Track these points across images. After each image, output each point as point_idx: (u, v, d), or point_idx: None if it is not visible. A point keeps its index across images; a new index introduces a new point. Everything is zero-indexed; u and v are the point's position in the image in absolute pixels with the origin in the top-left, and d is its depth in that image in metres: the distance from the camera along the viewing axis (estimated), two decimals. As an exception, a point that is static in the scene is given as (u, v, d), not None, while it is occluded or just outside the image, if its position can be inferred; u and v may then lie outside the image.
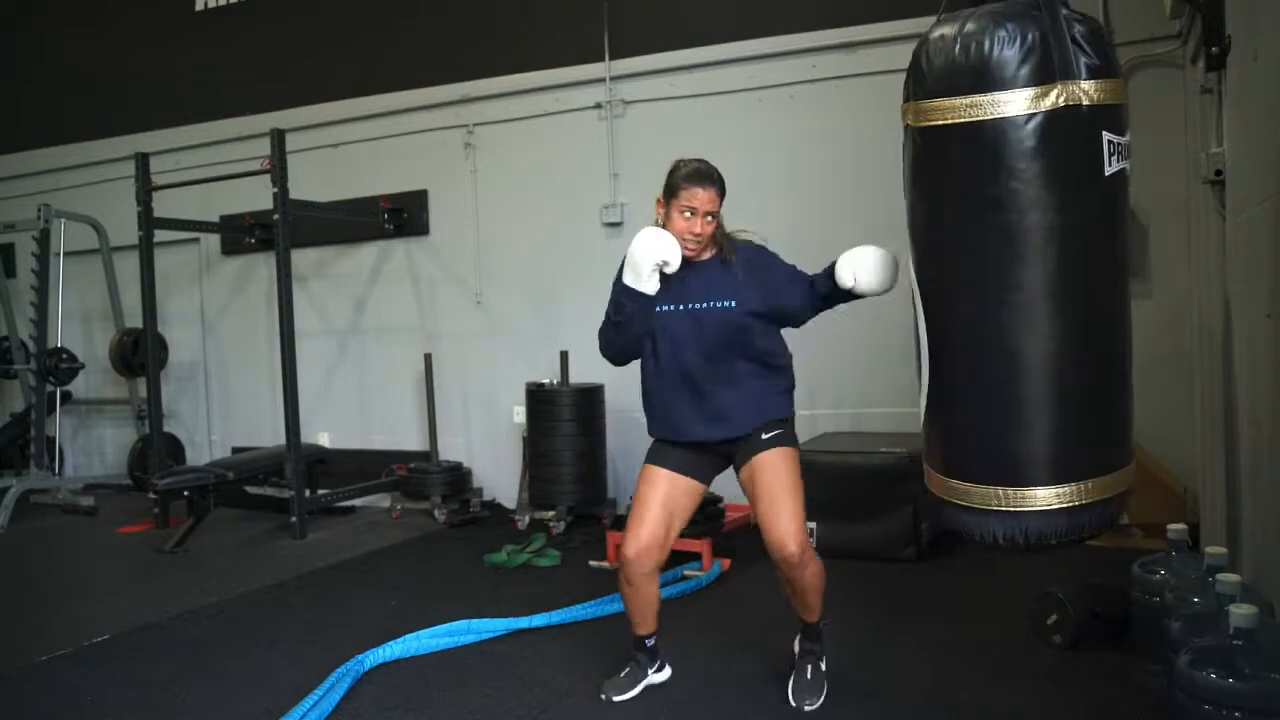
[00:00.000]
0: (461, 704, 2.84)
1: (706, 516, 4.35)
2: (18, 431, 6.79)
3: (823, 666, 2.77)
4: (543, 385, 5.28)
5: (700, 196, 2.64)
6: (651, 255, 2.57)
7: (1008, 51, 1.83)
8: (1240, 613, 1.87)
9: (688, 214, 2.64)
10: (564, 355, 5.33)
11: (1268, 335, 2.27)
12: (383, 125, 6.19)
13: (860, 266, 2.48)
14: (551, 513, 5.14)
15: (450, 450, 5.96)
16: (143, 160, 5.67)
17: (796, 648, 2.84)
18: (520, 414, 5.63)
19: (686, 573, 4.11)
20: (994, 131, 1.87)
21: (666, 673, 2.92)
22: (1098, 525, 2.03)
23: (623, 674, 2.85)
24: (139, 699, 2.97)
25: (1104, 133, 1.89)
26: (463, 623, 3.42)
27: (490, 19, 5.93)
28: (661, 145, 5.56)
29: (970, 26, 1.87)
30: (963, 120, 1.89)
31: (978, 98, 1.86)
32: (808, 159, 5.12)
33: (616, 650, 3.24)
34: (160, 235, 5.80)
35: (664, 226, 2.65)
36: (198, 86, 6.79)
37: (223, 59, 6.73)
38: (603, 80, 5.58)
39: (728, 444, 2.70)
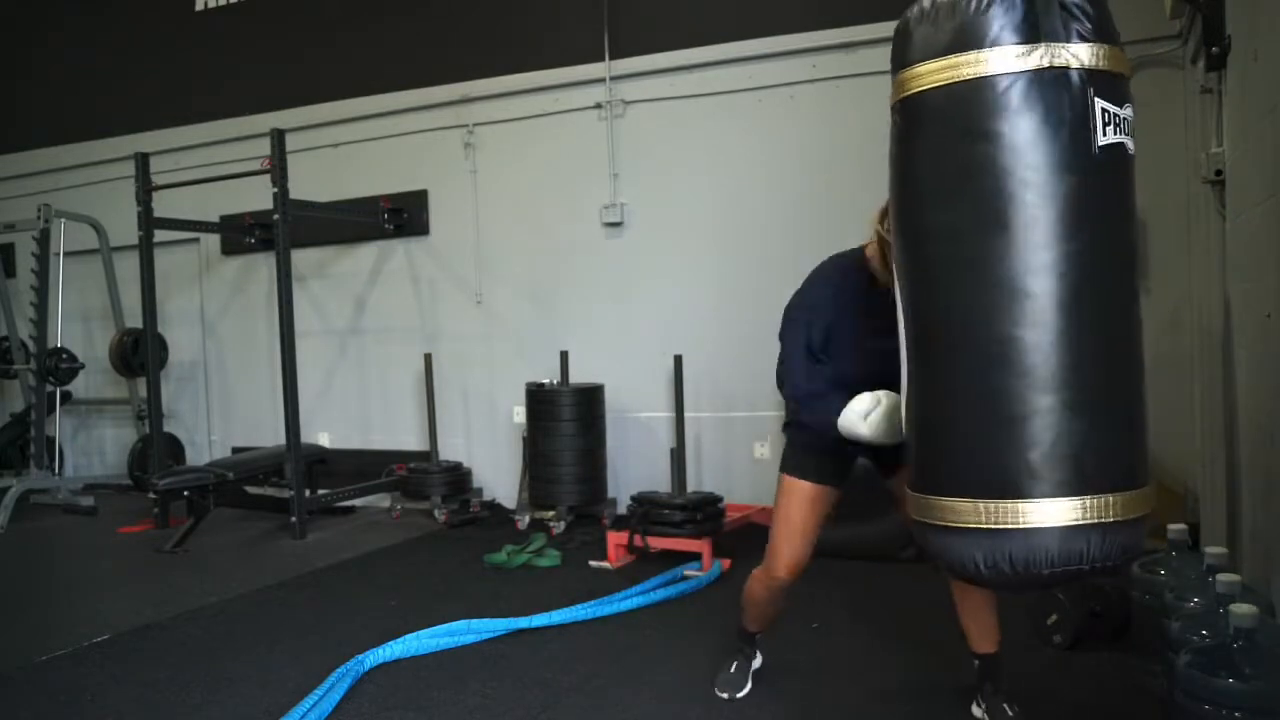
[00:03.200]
0: (461, 704, 2.84)
1: (706, 516, 4.35)
2: (18, 431, 6.79)
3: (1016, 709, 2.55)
4: (543, 385, 5.28)
5: None
6: (879, 436, 2.29)
7: (989, 10, 1.73)
8: (1240, 613, 1.87)
9: None
10: (564, 355, 5.33)
11: (1268, 335, 2.27)
12: (383, 125, 6.19)
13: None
14: (551, 513, 5.14)
15: (450, 450, 5.96)
16: (143, 160, 5.67)
17: (979, 689, 2.61)
18: (520, 414, 5.63)
19: (687, 573, 4.11)
20: (972, 92, 1.74)
21: (760, 659, 2.92)
22: (1114, 551, 1.76)
23: (733, 669, 2.85)
24: (139, 699, 2.97)
25: (1097, 100, 1.74)
26: (463, 623, 3.42)
27: (490, 19, 5.93)
28: (661, 145, 5.61)
29: None
30: (940, 83, 1.77)
31: (955, 58, 1.74)
32: (808, 159, 5.12)
33: (616, 650, 3.24)
34: (160, 235, 5.80)
35: (876, 247, 2.42)
36: (198, 86, 6.80)
37: (223, 59, 6.73)
38: (603, 80, 5.58)
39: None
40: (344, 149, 6.33)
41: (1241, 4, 2.59)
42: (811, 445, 2.53)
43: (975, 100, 1.74)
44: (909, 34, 1.85)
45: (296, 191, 5.31)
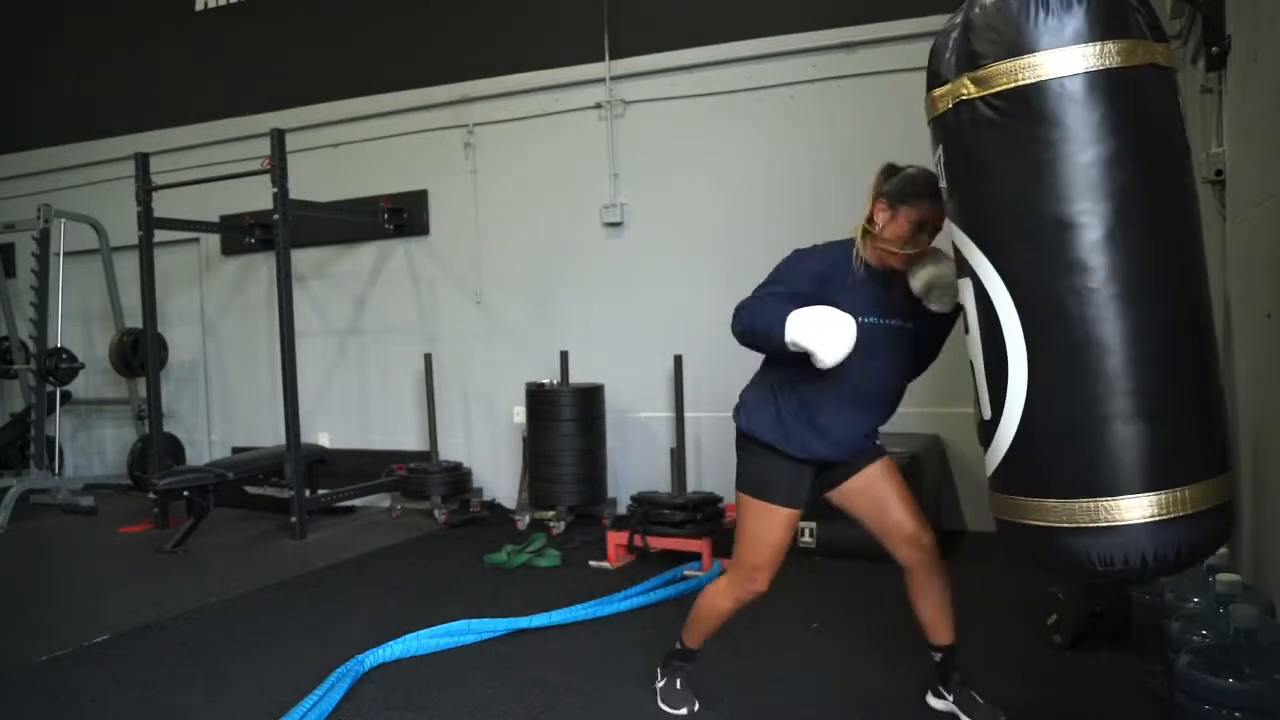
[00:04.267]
0: (461, 704, 2.84)
1: (706, 517, 4.35)
2: (18, 431, 6.79)
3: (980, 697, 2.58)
4: (543, 385, 5.28)
5: (934, 213, 2.30)
6: (838, 353, 2.17)
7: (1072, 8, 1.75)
8: (1240, 613, 1.87)
9: (915, 228, 2.33)
10: (564, 355, 5.33)
11: (1268, 335, 2.27)
12: (383, 125, 6.19)
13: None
14: (551, 513, 5.14)
15: (450, 450, 5.96)
16: (143, 160, 5.67)
17: (941, 681, 2.63)
18: (520, 414, 5.63)
19: (686, 573, 4.11)
20: (1120, 81, 1.74)
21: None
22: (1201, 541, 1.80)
23: (677, 684, 2.75)
24: (139, 699, 2.97)
25: (1178, 98, 1.84)
26: (463, 623, 3.42)
27: (490, 19, 5.93)
28: (661, 145, 5.61)
29: None
30: (1079, 70, 1.74)
31: (1101, 45, 1.74)
32: (808, 159, 5.12)
33: (616, 650, 3.24)
34: (160, 235, 5.80)
35: (872, 224, 2.39)
36: (198, 86, 6.80)
37: (223, 59, 6.73)
38: (603, 80, 5.58)
39: (836, 460, 2.51)
40: (344, 149, 6.34)
41: (1241, 4, 2.59)
42: (778, 465, 2.47)
43: (1124, 89, 1.75)
44: (988, 28, 1.82)
45: (296, 191, 5.31)
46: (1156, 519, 1.76)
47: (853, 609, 3.61)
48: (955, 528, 4.59)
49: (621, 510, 5.18)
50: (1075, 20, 1.76)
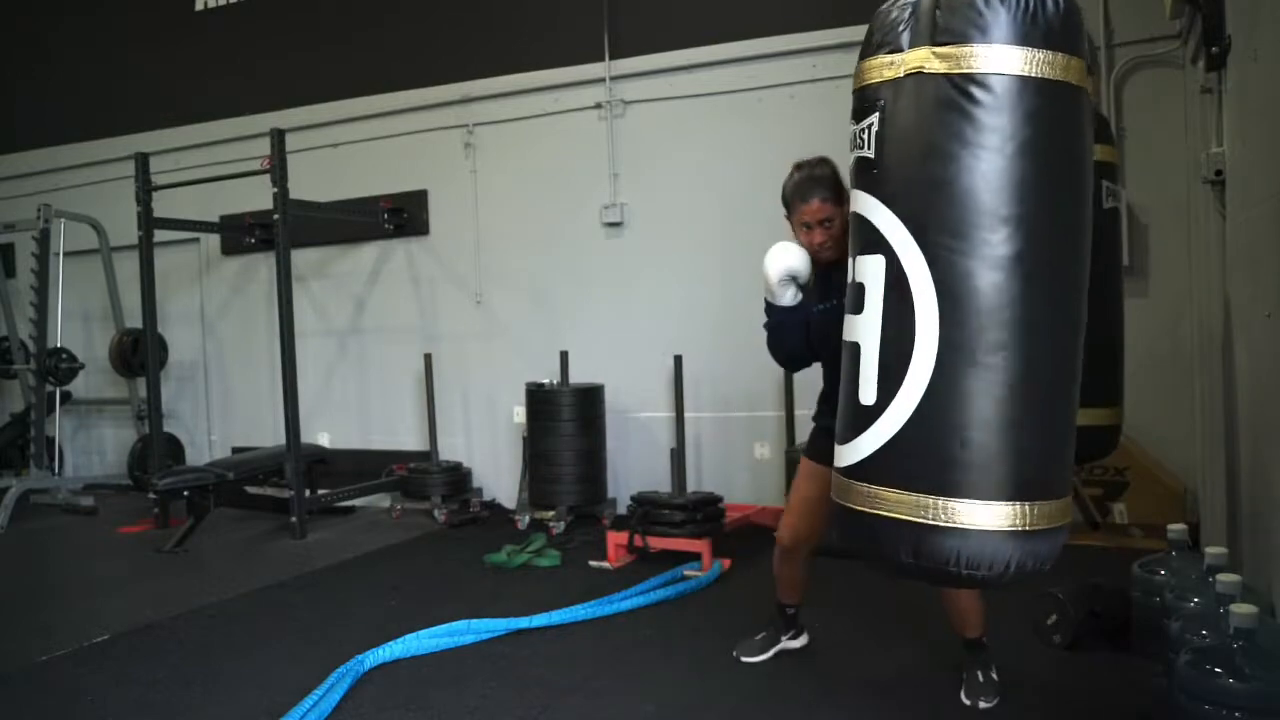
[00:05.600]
0: (461, 704, 2.84)
1: (706, 517, 4.35)
2: (18, 431, 6.79)
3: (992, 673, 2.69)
4: (543, 385, 5.28)
5: (811, 210, 2.62)
6: (775, 269, 2.58)
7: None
8: (1240, 613, 1.87)
9: (804, 229, 2.64)
10: (564, 355, 5.33)
11: (1268, 335, 2.27)
12: (383, 125, 6.19)
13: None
14: (551, 513, 5.14)
15: (450, 450, 5.96)
16: (143, 160, 5.67)
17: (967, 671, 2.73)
18: (520, 414, 5.63)
19: (687, 573, 4.11)
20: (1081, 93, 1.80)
21: (804, 639, 3.04)
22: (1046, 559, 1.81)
23: (758, 636, 3.02)
24: (139, 699, 2.97)
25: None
26: (463, 623, 3.42)
27: (490, 19, 5.93)
28: (661, 145, 5.61)
29: None
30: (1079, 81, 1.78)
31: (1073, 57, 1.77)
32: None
33: (616, 650, 3.24)
34: (160, 235, 5.80)
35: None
36: (198, 86, 6.80)
37: (223, 59, 6.73)
38: (603, 80, 5.58)
39: None
40: (344, 149, 6.33)
41: (1241, 4, 2.59)
42: (817, 426, 2.77)
43: (1078, 104, 1.80)
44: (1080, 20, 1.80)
45: (296, 191, 5.31)
46: (1030, 529, 1.73)
47: (853, 609, 3.60)
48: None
49: (621, 510, 5.18)
50: (1065, 28, 1.76)
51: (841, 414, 1.95)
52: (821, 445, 2.66)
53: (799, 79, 5.17)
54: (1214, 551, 2.42)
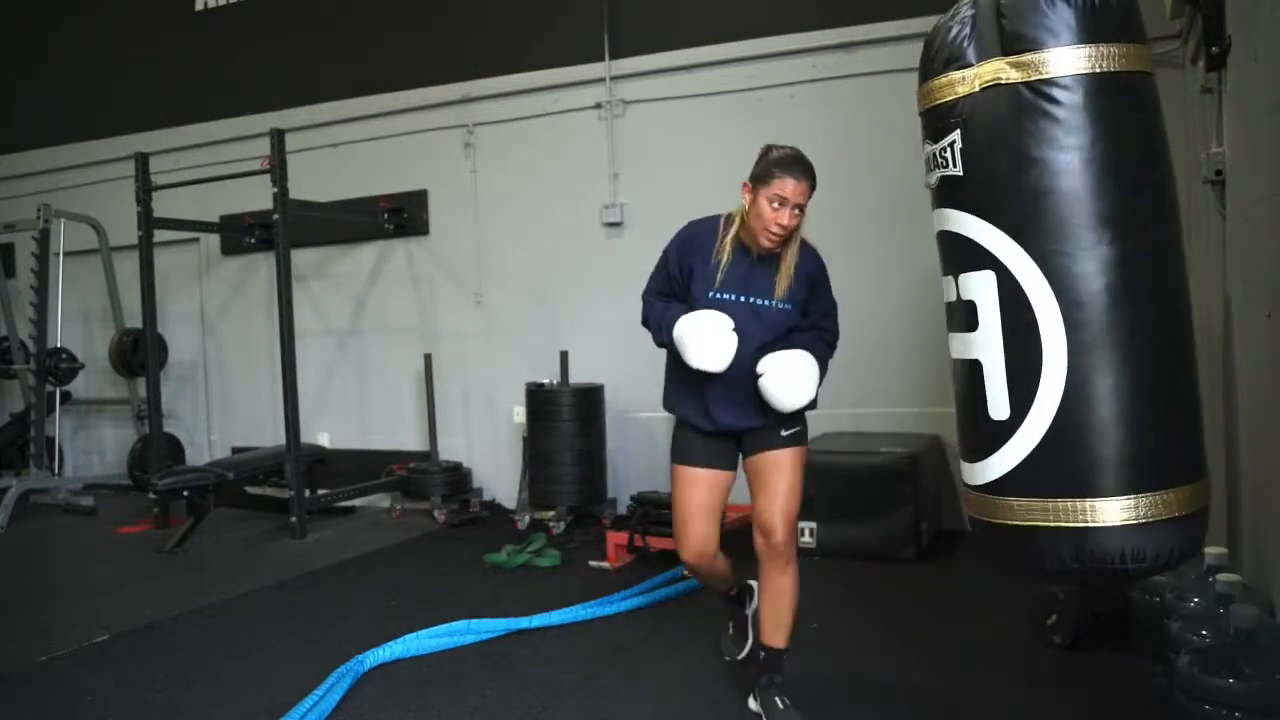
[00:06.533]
0: (461, 704, 2.84)
1: (706, 516, 4.34)
2: (18, 431, 6.79)
3: (787, 700, 2.60)
4: (543, 385, 5.28)
5: (791, 187, 2.45)
6: (712, 364, 2.46)
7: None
8: (1240, 613, 1.87)
9: (776, 204, 2.46)
10: (564, 355, 5.33)
11: (1268, 335, 2.27)
12: (383, 125, 6.19)
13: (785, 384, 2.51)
14: (551, 513, 5.13)
15: (450, 450, 5.96)
16: (143, 160, 5.67)
17: (758, 683, 2.66)
18: (520, 414, 5.63)
19: (686, 573, 4.10)
20: (1146, 86, 1.80)
21: (754, 599, 2.93)
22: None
23: (729, 631, 3.04)
24: (139, 699, 2.97)
25: None
26: (463, 623, 3.42)
27: (490, 19, 5.93)
28: (661, 145, 5.61)
29: None
30: (1119, 70, 1.74)
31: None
32: (808, 159, 5.11)
33: (616, 650, 3.24)
34: (160, 235, 5.80)
35: (749, 213, 2.52)
36: (198, 86, 6.80)
37: (223, 59, 6.73)
38: (603, 80, 5.58)
39: (746, 431, 2.65)
40: (344, 149, 6.34)
41: (1241, 4, 2.59)
42: (688, 429, 2.68)
43: (1150, 91, 1.81)
44: (1138, 5, 1.81)
45: (296, 191, 5.31)
46: (1176, 516, 1.73)
47: (853, 609, 3.61)
48: (955, 527, 4.59)
49: (621, 510, 5.18)
50: (1127, 16, 1.76)
51: (967, 432, 1.95)
52: (696, 447, 2.66)
53: (799, 79, 5.17)
54: (1214, 551, 2.42)
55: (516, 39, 5.85)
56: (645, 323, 2.69)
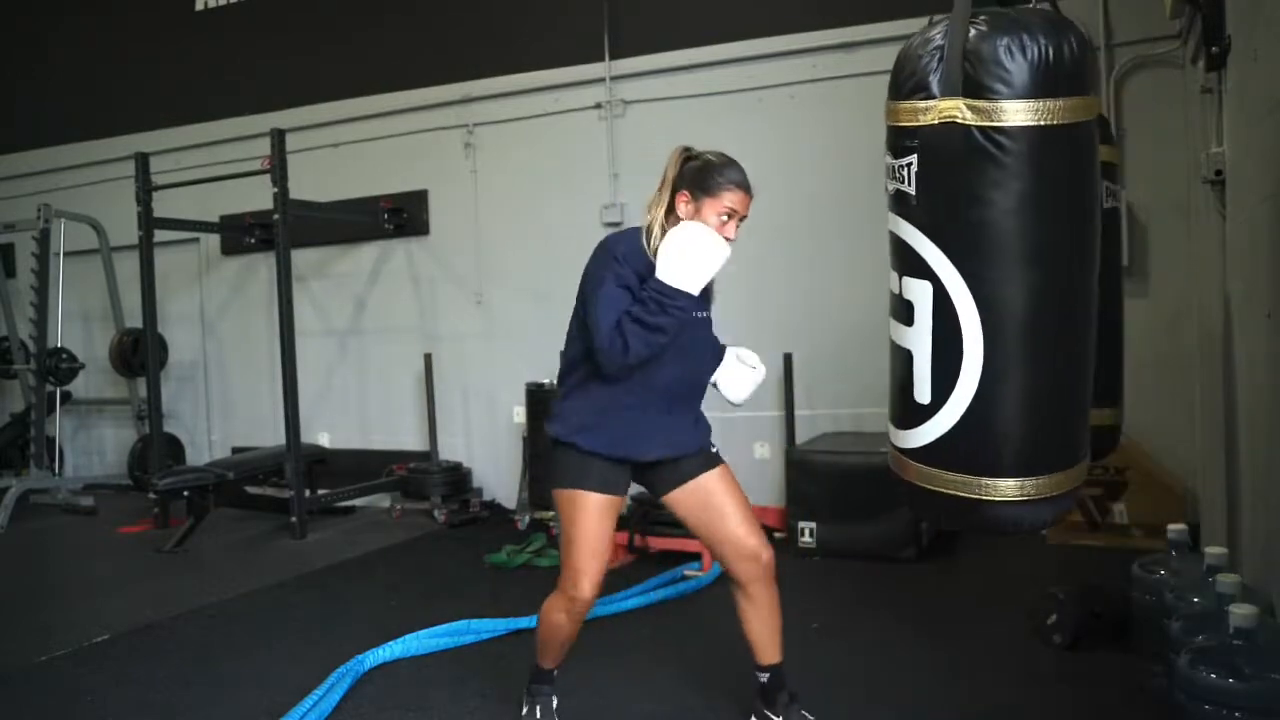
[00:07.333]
0: (461, 704, 2.84)
1: (706, 516, 4.34)
2: (18, 431, 6.79)
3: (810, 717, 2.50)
4: (543, 385, 5.28)
5: (741, 199, 2.38)
6: (717, 263, 2.27)
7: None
8: (1240, 613, 1.87)
9: (725, 218, 2.36)
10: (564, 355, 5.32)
11: (1268, 335, 2.27)
12: (383, 125, 6.19)
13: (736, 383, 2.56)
14: (552, 513, 5.13)
15: (450, 450, 5.96)
16: (143, 160, 5.67)
17: (767, 703, 2.51)
18: (520, 414, 5.63)
19: (687, 573, 4.11)
20: (1086, 136, 1.94)
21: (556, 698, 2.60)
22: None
23: (538, 714, 2.54)
24: (139, 699, 2.97)
25: None
26: (463, 623, 3.42)
27: (490, 19, 5.93)
28: (661, 145, 5.53)
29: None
30: (1055, 123, 1.87)
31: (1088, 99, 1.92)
32: (807, 159, 5.12)
33: (616, 650, 3.24)
34: (160, 235, 5.80)
35: (671, 217, 2.41)
36: (198, 86, 6.79)
37: (223, 59, 6.73)
38: (603, 80, 5.58)
39: (679, 457, 2.46)
40: (344, 149, 6.33)
41: (1241, 4, 2.59)
42: (593, 456, 2.41)
43: (1090, 140, 1.97)
44: (1091, 61, 1.95)
45: (296, 191, 5.31)
46: (1053, 495, 2.01)
47: (853, 609, 3.61)
48: (955, 527, 4.59)
49: (621, 511, 5.17)
50: (1077, 72, 1.87)
51: (897, 405, 2.14)
52: (600, 470, 2.39)
53: (799, 79, 5.16)
54: (1214, 551, 2.42)
55: (516, 39, 5.85)
56: (635, 352, 2.25)
